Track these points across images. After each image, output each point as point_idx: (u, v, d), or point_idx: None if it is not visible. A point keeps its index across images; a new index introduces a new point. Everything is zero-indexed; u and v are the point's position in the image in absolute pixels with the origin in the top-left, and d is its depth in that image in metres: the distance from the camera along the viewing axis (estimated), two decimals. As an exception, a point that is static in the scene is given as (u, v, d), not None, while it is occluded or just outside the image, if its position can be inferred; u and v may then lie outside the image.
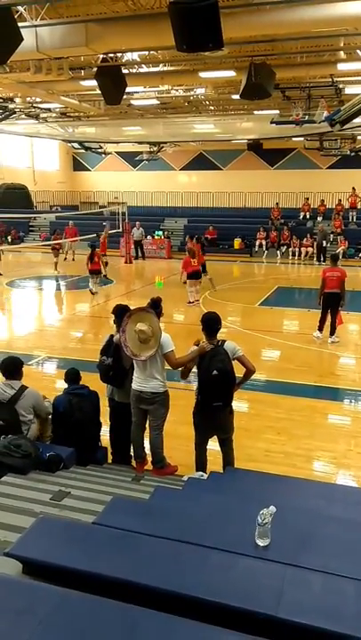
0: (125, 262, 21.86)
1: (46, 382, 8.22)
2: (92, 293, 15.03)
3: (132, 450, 5.35)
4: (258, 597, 1.93)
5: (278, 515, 2.55)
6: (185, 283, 13.95)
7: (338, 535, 2.76)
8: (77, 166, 35.18)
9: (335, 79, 15.31)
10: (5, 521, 2.85)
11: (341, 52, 12.46)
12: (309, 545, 2.54)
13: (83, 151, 29.55)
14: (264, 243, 24.52)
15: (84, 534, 2.44)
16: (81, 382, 5.13)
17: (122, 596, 1.90)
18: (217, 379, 4.63)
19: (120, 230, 21.82)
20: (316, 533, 2.68)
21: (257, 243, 24.66)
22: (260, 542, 2.46)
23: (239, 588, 2.00)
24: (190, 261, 13.77)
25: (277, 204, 27.26)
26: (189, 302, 13.59)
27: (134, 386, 5.01)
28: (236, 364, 4.74)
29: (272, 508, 2.50)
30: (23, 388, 4.51)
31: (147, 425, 5.18)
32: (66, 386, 5.11)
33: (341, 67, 13.18)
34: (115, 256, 21.43)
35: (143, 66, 13.70)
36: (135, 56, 13.13)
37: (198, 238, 17.15)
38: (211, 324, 4.78)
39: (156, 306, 5.19)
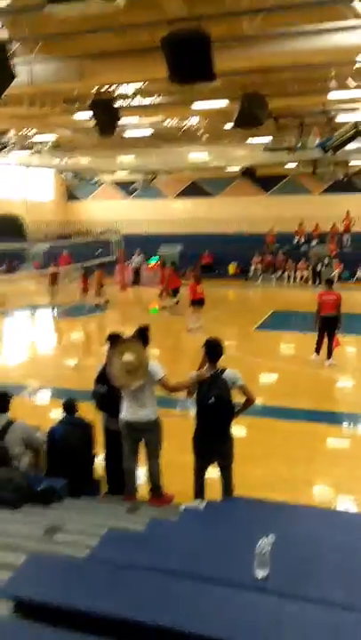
0: (121, 289, 21.90)
1: (39, 412, 8.12)
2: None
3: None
4: (256, 634, 1.87)
5: (278, 543, 2.49)
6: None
7: (338, 564, 2.69)
8: (71, 196, 35.50)
9: (327, 108, 15.66)
10: (-3, 558, 2.77)
11: (333, 81, 12.77)
12: (309, 575, 2.47)
13: (77, 182, 29.90)
14: (259, 267, 24.67)
15: (77, 571, 2.37)
16: (77, 411, 5.09)
17: (117, 634, 1.84)
18: (214, 406, 4.59)
19: (114, 258, 21.92)
20: (316, 562, 2.61)
21: (252, 267, 24.81)
22: (259, 573, 2.40)
23: (238, 625, 1.93)
24: (196, 288, 13.72)
25: (272, 228, 27.52)
26: (190, 330, 13.41)
27: (124, 416, 4.95)
28: (236, 391, 4.70)
29: (270, 538, 2.44)
30: (10, 421, 4.46)
31: (139, 454, 5.11)
32: (61, 415, 5.07)
33: (332, 95, 13.48)
34: (110, 283, 21.46)
35: (137, 98, 13.98)
36: (129, 88, 13.41)
37: (173, 264, 18.31)
38: (213, 349, 4.75)
39: (142, 334, 5.18)
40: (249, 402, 4.78)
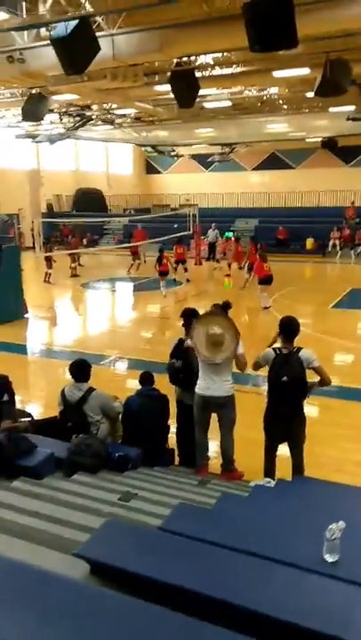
0: (196, 264, 21.93)
1: (117, 382, 8.40)
2: (165, 296, 15.19)
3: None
4: (326, 618, 1.87)
5: (349, 529, 2.46)
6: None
7: None
8: (150, 169, 35.77)
9: None
10: (75, 520, 2.93)
11: None
12: (382, 565, 2.42)
13: (156, 155, 30.01)
14: (338, 243, 23.80)
15: (150, 539, 2.47)
16: (153, 383, 5.23)
17: (185, 606, 1.90)
18: (286, 385, 4.56)
19: (191, 232, 21.92)
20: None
21: (330, 243, 23.98)
22: (329, 558, 2.39)
23: (308, 608, 1.94)
24: (263, 266, 13.52)
25: (353, 202, 26.39)
26: (265, 308, 13.15)
27: (202, 392, 4.98)
28: (311, 372, 4.64)
29: (341, 524, 2.41)
30: (90, 389, 4.64)
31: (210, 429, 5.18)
32: (139, 387, 5.22)
33: None
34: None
35: (216, 68, 13.71)
36: (208, 59, 13.16)
37: (252, 239, 18.11)
38: (289, 328, 4.69)
39: (224, 309, 5.21)
40: (324, 384, 4.70)
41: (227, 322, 4.91)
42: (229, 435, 5.09)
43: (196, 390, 5.00)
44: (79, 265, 19.49)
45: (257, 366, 4.85)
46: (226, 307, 5.35)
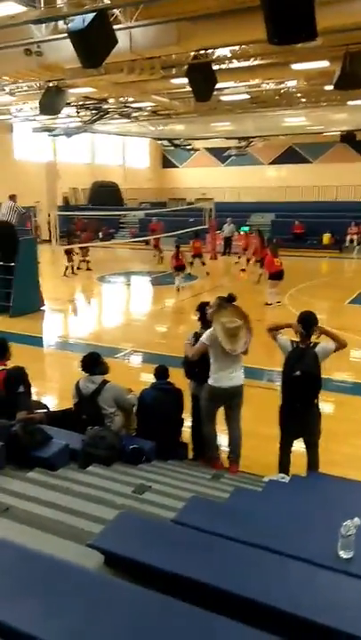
0: (211, 258, 21.85)
1: (132, 375, 8.42)
2: (177, 290, 15.18)
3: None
4: (340, 615, 1.86)
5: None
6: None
7: None
8: (166, 163, 35.70)
9: None
10: (90, 511, 2.96)
11: None
12: None
13: (172, 148, 29.93)
14: (355, 238, 23.54)
15: (163, 532, 2.47)
16: (168, 377, 5.23)
17: (197, 598, 1.90)
18: (299, 380, 4.54)
19: (206, 226, 21.85)
20: None
21: (347, 238, 23.73)
22: (344, 554, 2.38)
23: (321, 603, 1.93)
24: (273, 261, 13.36)
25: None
26: (268, 304, 13.02)
27: (220, 384, 4.98)
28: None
29: (356, 520, 2.40)
30: (104, 382, 4.65)
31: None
32: (153, 380, 5.24)
33: None
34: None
35: (234, 61, 13.60)
36: (226, 51, 13.06)
37: (260, 232, 18.00)
38: (307, 323, 4.68)
39: (229, 302, 5.22)
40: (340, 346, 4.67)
41: (236, 311, 4.98)
42: (239, 423, 5.16)
43: (213, 383, 5.01)
44: (83, 262, 19.20)
45: (273, 330, 4.84)
46: (230, 299, 5.35)
